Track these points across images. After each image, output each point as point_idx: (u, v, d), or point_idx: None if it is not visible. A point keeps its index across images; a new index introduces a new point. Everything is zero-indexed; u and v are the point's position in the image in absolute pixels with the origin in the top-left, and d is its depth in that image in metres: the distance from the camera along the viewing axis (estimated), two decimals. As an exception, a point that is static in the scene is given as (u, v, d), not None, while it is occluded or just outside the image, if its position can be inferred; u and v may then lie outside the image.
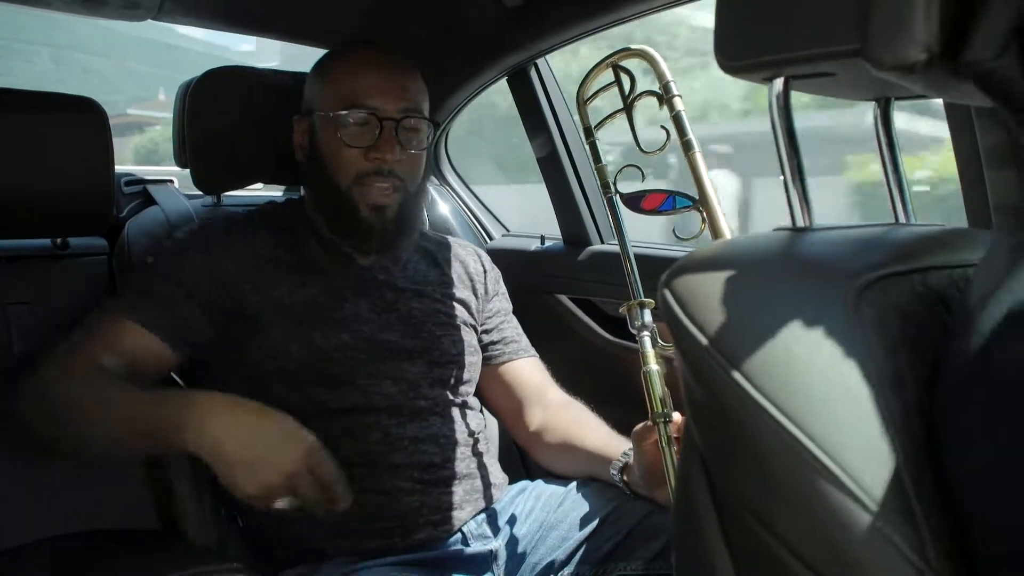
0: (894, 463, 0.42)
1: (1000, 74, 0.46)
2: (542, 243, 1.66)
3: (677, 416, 0.96)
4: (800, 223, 0.63)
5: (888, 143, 0.73)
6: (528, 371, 1.34)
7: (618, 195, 1.06)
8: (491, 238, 1.83)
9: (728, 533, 0.50)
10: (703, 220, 0.98)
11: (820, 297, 0.48)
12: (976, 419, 0.40)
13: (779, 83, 0.63)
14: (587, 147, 1.11)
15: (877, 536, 0.41)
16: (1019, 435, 0.37)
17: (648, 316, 1.00)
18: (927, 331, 0.48)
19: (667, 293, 0.51)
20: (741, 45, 0.62)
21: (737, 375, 0.46)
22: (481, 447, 1.23)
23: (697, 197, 0.98)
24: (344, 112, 1.15)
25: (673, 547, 0.61)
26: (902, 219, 0.73)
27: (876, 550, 0.41)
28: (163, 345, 1.10)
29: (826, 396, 0.44)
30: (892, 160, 0.73)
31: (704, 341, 0.48)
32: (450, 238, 1.43)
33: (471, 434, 1.22)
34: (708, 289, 0.50)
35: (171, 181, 1.52)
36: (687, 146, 0.99)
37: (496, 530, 1.17)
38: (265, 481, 0.92)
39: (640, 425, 1.06)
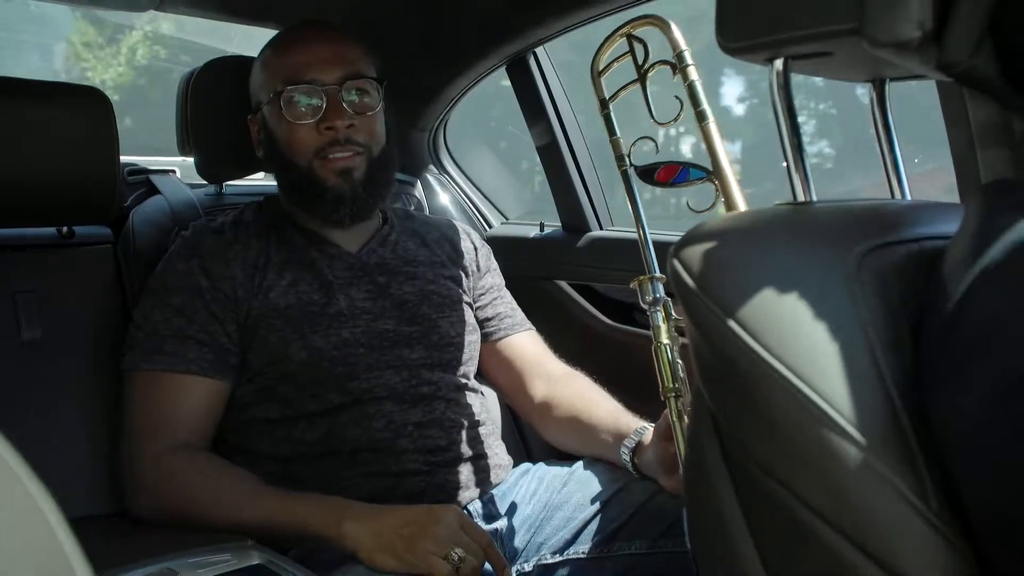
0: (895, 416, 0.45)
1: (978, 72, 0.49)
2: (541, 230, 1.68)
3: None
4: (801, 198, 0.66)
5: (883, 123, 0.75)
6: (526, 345, 1.35)
7: (632, 168, 1.06)
8: (491, 226, 1.85)
9: (739, 488, 0.53)
10: (717, 191, 0.98)
11: (823, 264, 0.51)
12: (949, 368, 0.43)
13: (779, 63, 0.65)
14: (602, 119, 1.10)
15: (882, 483, 0.43)
16: (983, 378, 0.40)
17: (660, 290, 0.99)
18: (922, 295, 0.51)
19: (676, 262, 0.54)
20: (742, 27, 0.64)
21: (746, 336, 0.48)
22: (485, 429, 1.24)
23: (711, 169, 0.98)
24: (285, 90, 1.16)
25: (686, 507, 0.64)
26: (898, 195, 0.76)
27: (882, 497, 0.43)
28: (216, 382, 1.12)
29: (829, 355, 0.46)
30: (888, 139, 0.75)
31: (713, 306, 0.50)
32: (438, 218, 1.43)
33: (475, 416, 1.23)
34: (716, 258, 0.53)
35: (173, 171, 1.54)
36: (701, 116, 0.98)
37: (501, 510, 1.19)
38: (427, 557, 0.94)
39: (663, 420, 1.06)
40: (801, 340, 0.47)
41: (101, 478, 1.17)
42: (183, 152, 1.39)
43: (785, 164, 0.67)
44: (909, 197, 0.76)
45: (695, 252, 0.54)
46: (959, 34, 0.50)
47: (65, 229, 1.30)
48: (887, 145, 0.76)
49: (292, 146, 1.18)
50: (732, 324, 0.49)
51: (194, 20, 1.62)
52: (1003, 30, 0.51)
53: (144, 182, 1.46)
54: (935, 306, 0.46)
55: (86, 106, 1.21)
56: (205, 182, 1.45)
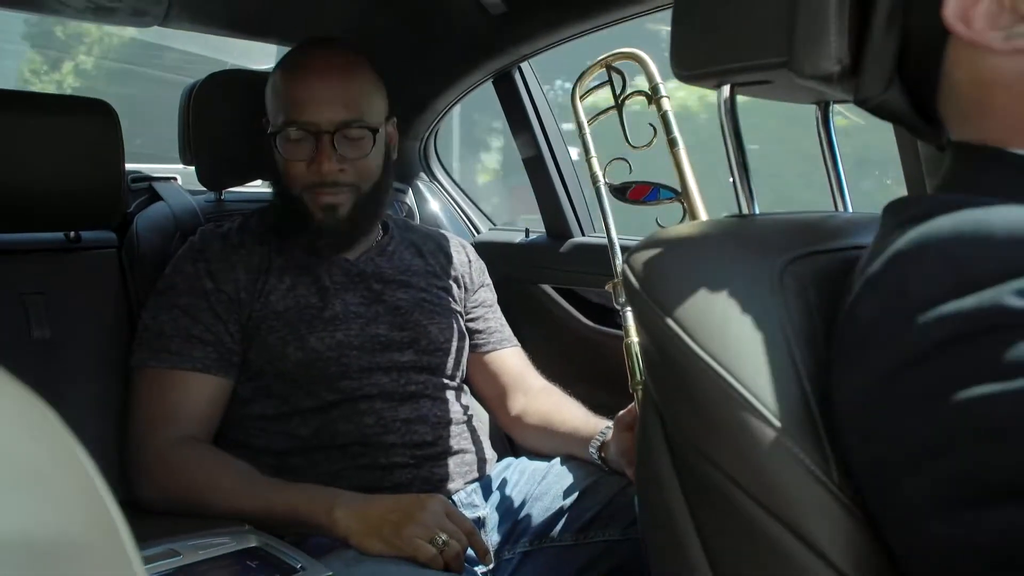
0: (805, 401, 0.52)
1: (889, 106, 0.57)
2: (526, 236, 1.75)
3: None
4: (745, 212, 0.73)
5: (828, 141, 0.82)
6: (510, 360, 1.42)
7: (606, 185, 1.14)
8: (478, 232, 1.92)
9: (681, 473, 0.60)
10: (684, 211, 1.06)
11: (752, 270, 0.58)
12: (845, 359, 0.50)
13: (726, 89, 0.72)
14: (579, 140, 1.18)
15: (791, 459, 0.51)
16: (865, 369, 0.47)
17: None
18: (839, 297, 0.58)
19: (627, 268, 0.61)
20: (692, 58, 0.72)
21: (682, 333, 0.55)
22: (471, 425, 1.31)
23: (680, 190, 1.07)
24: (281, 129, 1.21)
25: (636, 497, 0.71)
26: (840, 208, 0.83)
27: (790, 470, 0.51)
28: (219, 379, 1.19)
29: (751, 348, 0.53)
30: (832, 157, 0.83)
31: (655, 307, 0.57)
32: (436, 230, 1.50)
33: (460, 414, 1.30)
34: (660, 264, 0.60)
35: (174, 178, 1.61)
36: (672, 143, 1.07)
37: (484, 500, 1.26)
38: (413, 540, 1.00)
39: (623, 411, 1.15)
40: (728, 337, 0.54)
41: (107, 468, 1.23)
42: (184, 160, 1.46)
43: (732, 180, 0.74)
44: (851, 210, 0.83)
45: (643, 259, 0.61)
46: (872, 73, 0.58)
47: (72, 234, 1.36)
48: (831, 162, 0.83)
49: (286, 176, 1.24)
50: (670, 323, 0.56)
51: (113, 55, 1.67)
52: (908, 68, 0.58)
53: (147, 189, 1.53)
54: (843, 307, 0.54)
55: (94, 117, 1.28)
56: (205, 189, 1.52)
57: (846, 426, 0.49)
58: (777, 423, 0.52)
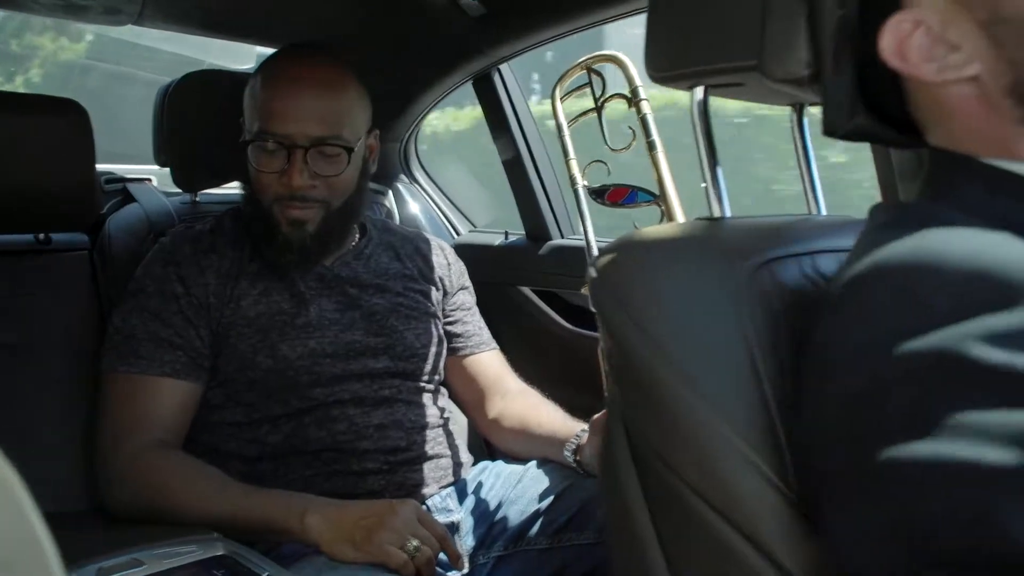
0: (766, 408, 0.51)
1: (860, 130, 0.57)
2: (506, 238, 1.75)
3: None
4: (716, 214, 0.72)
5: (802, 144, 0.82)
6: (488, 363, 1.41)
7: (585, 188, 1.13)
8: (458, 234, 1.91)
9: (643, 479, 0.59)
10: (662, 214, 1.06)
11: (719, 275, 0.57)
12: (808, 379, 0.49)
13: (699, 91, 0.72)
14: (559, 142, 1.17)
15: (749, 467, 0.50)
16: (825, 390, 0.47)
17: None
18: (809, 304, 0.57)
19: (592, 271, 0.60)
20: (667, 59, 0.71)
21: (644, 338, 0.54)
22: (446, 429, 1.29)
23: (658, 193, 1.06)
24: (255, 138, 1.18)
25: (600, 499, 0.70)
26: (814, 211, 0.82)
27: (749, 478, 0.50)
28: (190, 384, 1.17)
29: (713, 354, 0.53)
30: (806, 159, 0.82)
31: (620, 311, 0.56)
32: (415, 231, 1.48)
33: (436, 418, 1.28)
34: (626, 267, 0.59)
35: (149, 180, 1.59)
36: (651, 146, 1.07)
37: (458, 505, 1.25)
38: (384, 546, 0.99)
39: (598, 415, 1.14)
40: (690, 342, 0.53)
41: (75, 475, 1.21)
42: (159, 161, 1.44)
43: (704, 185, 0.73)
44: (824, 212, 0.83)
45: (610, 262, 0.60)
46: (834, 105, 0.58)
47: (42, 236, 1.33)
48: (805, 164, 0.82)
49: (256, 186, 1.21)
50: (633, 327, 0.55)
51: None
52: (872, 88, 0.58)
53: (121, 190, 1.51)
54: (812, 318, 0.53)
55: (64, 117, 1.26)
56: (180, 190, 1.49)
57: (803, 442, 0.48)
58: (737, 430, 0.51)
